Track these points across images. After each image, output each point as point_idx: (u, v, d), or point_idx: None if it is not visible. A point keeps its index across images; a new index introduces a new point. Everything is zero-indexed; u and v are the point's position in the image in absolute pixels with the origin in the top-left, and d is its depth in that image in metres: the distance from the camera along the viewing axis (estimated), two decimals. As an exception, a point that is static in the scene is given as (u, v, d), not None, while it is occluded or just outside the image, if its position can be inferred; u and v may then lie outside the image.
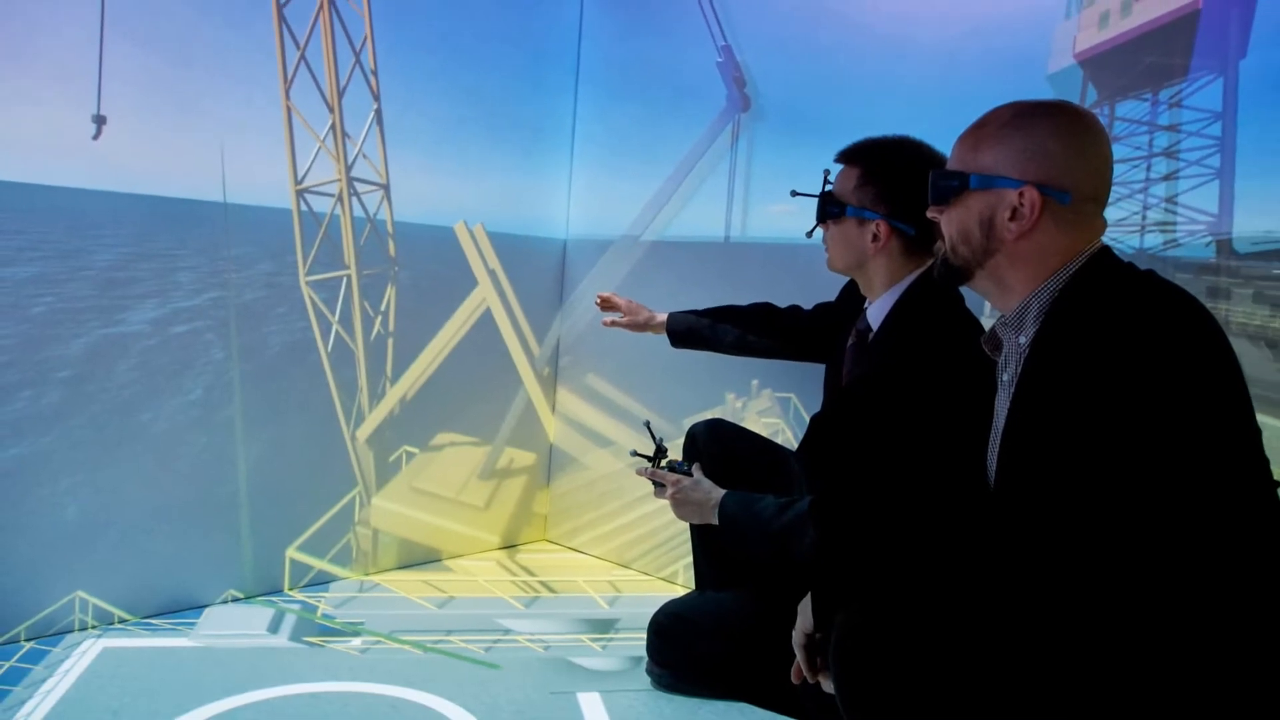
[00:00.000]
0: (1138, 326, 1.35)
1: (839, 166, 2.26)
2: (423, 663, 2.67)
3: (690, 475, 2.46)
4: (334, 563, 3.26)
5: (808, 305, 2.68)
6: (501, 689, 2.52)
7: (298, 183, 3.03)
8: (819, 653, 1.74)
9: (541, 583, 3.41)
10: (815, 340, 2.58)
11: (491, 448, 3.69)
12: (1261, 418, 1.42)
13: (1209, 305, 1.45)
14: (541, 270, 3.80)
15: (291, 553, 3.14)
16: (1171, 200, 2.43)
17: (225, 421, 2.93)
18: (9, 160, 2.49)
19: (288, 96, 2.97)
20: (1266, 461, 1.39)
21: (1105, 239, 1.56)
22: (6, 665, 2.46)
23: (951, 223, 1.62)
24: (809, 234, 2.33)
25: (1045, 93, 2.54)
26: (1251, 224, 2.30)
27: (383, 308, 3.31)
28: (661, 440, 2.59)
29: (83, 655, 2.55)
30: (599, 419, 3.71)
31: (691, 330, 2.78)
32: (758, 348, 2.72)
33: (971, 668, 1.40)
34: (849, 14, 3.02)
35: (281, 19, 2.93)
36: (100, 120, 2.61)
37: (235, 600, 3.01)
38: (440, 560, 3.56)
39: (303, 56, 2.99)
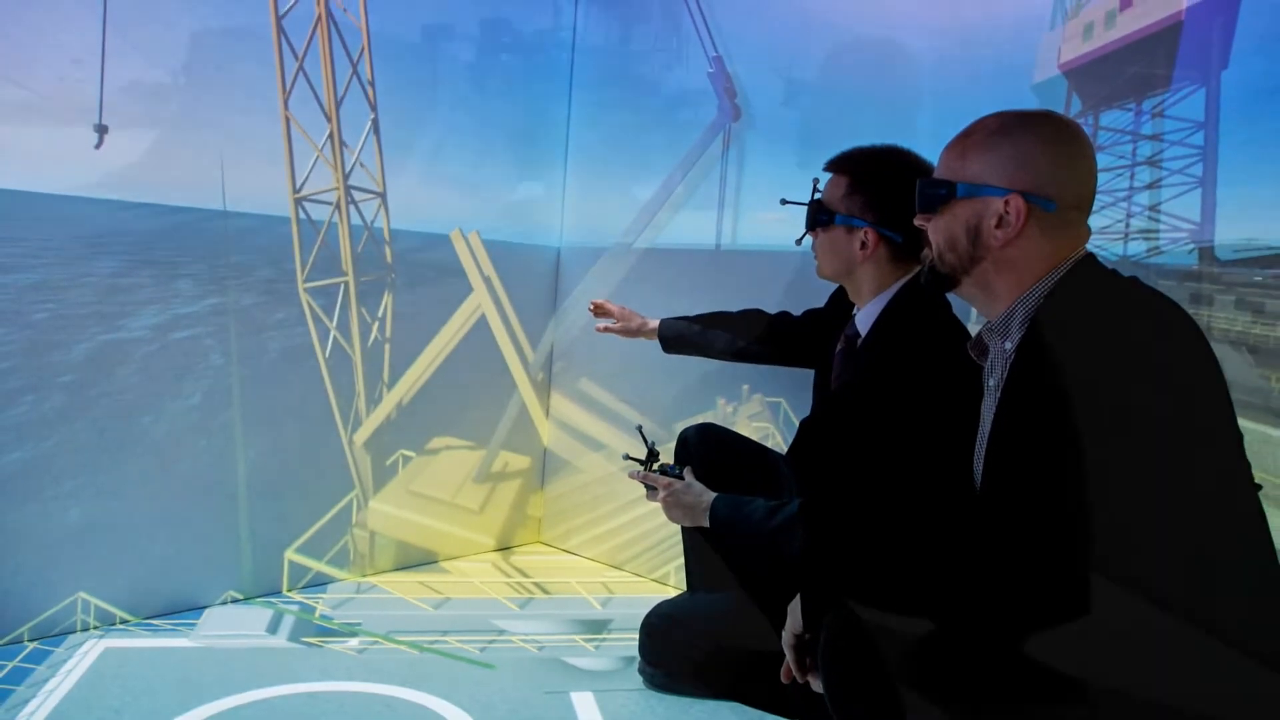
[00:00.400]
0: (1121, 332, 1.37)
1: (828, 175, 2.28)
2: (419, 663, 2.69)
3: (682, 478, 2.46)
4: (332, 564, 3.29)
5: (797, 311, 2.70)
6: (496, 689, 2.54)
7: (296, 191, 3.06)
8: (808, 653, 1.74)
9: (536, 584, 3.43)
10: (805, 346, 2.59)
11: (486, 452, 3.72)
12: (1243, 422, 1.43)
13: (1191, 311, 1.46)
14: (536, 277, 3.82)
15: (290, 554, 3.17)
16: (1155, 208, 2.44)
17: (225, 425, 2.96)
18: (12, 169, 2.51)
19: (286, 106, 3.00)
20: (1248, 465, 1.40)
21: (1090, 246, 1.57)
22: (10, 665, 2.48)
23: (939, 230, 1.63)
24: (798, 241, 2.35)
25: (1030, 102, 2.56)
26: (1233, 231, 2.32)
27: (380, 314, 3.34)
28: (653, 444, 2.60)
29: (85, 655, 2.57)
30: (592, 423, 3.74)
31: (682, 336, 2.80)
32: (748, 353, 2.73)
33: (957, 668, 1.41)
34: (838, 25, 3.05)
35: (280, 30, 2.96)
36: (102, 130, 2.64)
37: (235, 601, 3.03)
38: (436, 562, 3.58)
39: (301, 67, 3.02)
